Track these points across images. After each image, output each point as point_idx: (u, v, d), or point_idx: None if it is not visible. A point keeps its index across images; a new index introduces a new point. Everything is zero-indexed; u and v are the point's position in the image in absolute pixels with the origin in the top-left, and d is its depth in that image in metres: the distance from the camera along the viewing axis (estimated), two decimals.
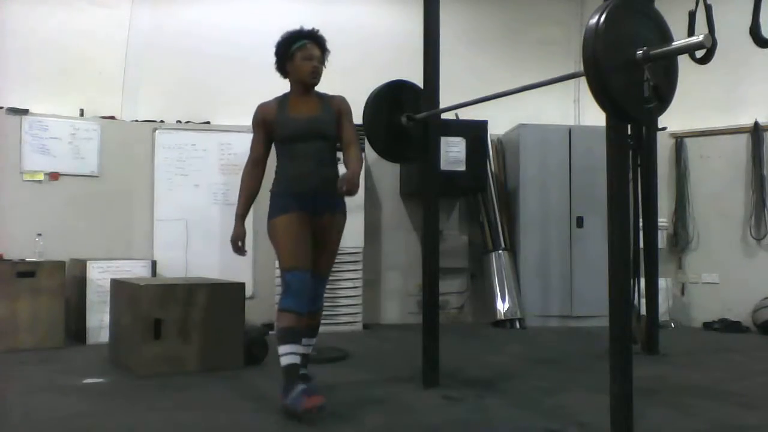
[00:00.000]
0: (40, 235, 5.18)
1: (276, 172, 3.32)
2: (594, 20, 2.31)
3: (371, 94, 3.84)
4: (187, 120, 6.13)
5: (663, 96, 2.41)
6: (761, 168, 6.14)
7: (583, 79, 2.41)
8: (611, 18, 2.30)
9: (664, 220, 6.21)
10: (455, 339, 5.24)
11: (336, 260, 5.85)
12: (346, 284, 5.88)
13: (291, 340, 3.05)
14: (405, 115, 3.78)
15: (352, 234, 5.88)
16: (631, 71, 2.32)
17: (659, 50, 2.34)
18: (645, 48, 2.33)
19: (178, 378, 3.81)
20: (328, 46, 3.38)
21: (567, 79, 3.01)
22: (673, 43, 2.37)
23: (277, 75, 3.43)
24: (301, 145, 3.24)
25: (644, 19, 2.44)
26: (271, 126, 3.33)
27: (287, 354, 3.02)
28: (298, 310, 3.07)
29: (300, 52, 3.27)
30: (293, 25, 3.32)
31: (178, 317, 3.99)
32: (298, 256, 3.13)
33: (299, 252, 3.14)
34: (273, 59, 3.34)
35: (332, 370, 4.16)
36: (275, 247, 3.23)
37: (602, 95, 2.31)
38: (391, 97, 3.80)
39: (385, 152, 3.93)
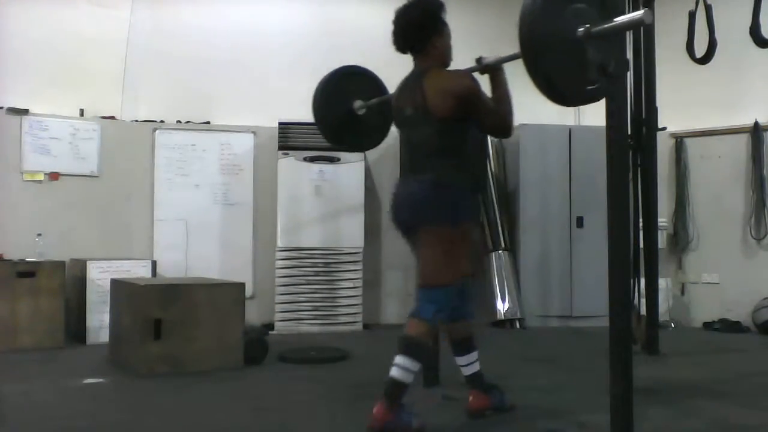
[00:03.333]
0: (40, 235, 5.17)
1: (456, 159, 2.84)
2: None
3: (321, 80, 3.76)
4: (187, 120, 6.13)
5: (611, 74, 2.28)
6: (761, 168, 6.14)
7: None
8: None
9: (664, 220, 6.21)
10: None
11: (336, 260, 6.01)
12: (346, 284, 5.88)
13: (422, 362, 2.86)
14: (358, 101, 3.74)
15: (352, 234, 5.90)
16: (572, 50, 2.20)
17: (601, 27, 2.22)
18: (587, 26, 2.22)
19: (178, 378, 3.81)
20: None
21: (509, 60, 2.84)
22: (615, 20, 2.26)
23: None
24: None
25: None
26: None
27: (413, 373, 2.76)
28: None
29: (448, 29, 2.95)
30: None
31: (178, 317, 3.98)
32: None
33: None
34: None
35: (332, 370, 4.16)
36: (450, 254, 2.81)
37: (539, 77, 2.18)
38: (343, 84, 3.72)
39: (337, 140, 3.86)
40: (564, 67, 2.20)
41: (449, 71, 2.92)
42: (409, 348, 2.72)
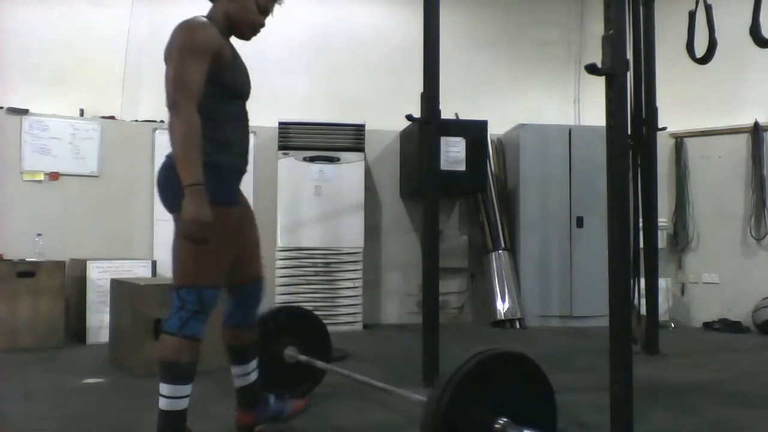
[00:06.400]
0: (40, 235, 5.18)
1: (216, 136, 2.37)
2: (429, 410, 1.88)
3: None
4: None
5: None
6: (761, 168, 6.14)
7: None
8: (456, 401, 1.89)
9: (664, 220, 6.22)
10: (455, 339, 5.24)
11: (336, 260, 6.01)
12: (346, 284, 5.88)
13: (192, 379, 2.35)
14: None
15: (352, 234, 5.90)
16: None
17: None
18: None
19: None
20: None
21: None
22: None
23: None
24: (242, 107, 2.55)
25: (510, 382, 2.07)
26: (219, 66, 2.40)
27: (185, 397, 2.31)
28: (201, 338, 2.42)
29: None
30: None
31: None
32: (223, 272, 2.43)
33: (225, 266, 2.43)
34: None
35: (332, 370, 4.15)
36: (188, 251, 2.26)
37: None
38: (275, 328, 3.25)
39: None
40: None
41: (200, 20, 2.47)
42: (162, 372, 2.29)
